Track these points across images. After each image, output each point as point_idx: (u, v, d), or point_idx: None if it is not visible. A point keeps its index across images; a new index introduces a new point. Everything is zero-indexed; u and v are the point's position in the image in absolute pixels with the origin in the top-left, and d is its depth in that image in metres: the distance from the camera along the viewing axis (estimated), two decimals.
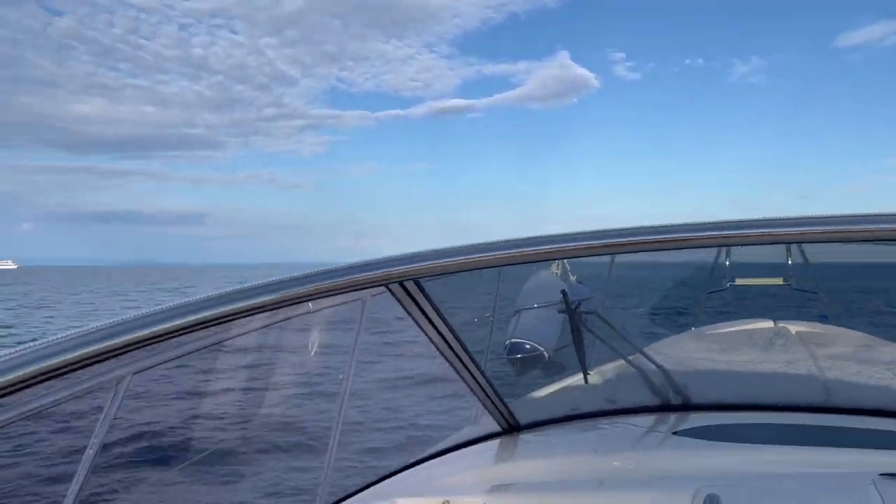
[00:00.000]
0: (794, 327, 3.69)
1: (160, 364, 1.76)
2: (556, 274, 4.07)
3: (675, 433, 2.38)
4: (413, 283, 1.80)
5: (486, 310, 3.83)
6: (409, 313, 1.94)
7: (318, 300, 1.67)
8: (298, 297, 1.43)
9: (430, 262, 1.47)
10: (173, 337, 1.28)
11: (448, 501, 2.10)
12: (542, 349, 3.68)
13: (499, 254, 1.47)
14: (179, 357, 1.80)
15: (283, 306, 1.41)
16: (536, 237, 1.48)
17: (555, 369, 3.61)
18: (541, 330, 3.78)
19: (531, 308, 3.94)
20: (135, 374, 1.68)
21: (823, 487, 1.87)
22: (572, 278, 4.26)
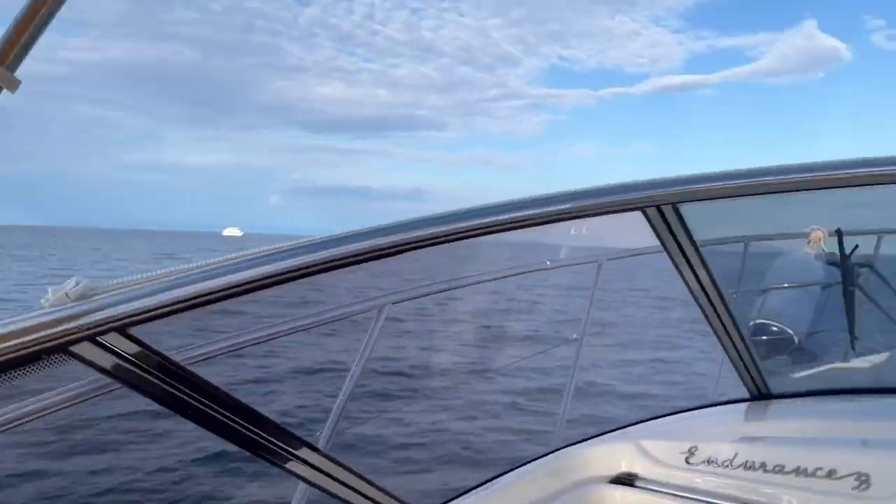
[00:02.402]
0: None
1: (416, 297, 1.92)
2: (811, 254, 3.76)
3: None
4: (671, 210, 1.69)
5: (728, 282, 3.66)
6: (662, 243, 1.83)
7: (578, 222, 1.58)
8: (559, 215, 1.39)
9: (691, 186, 1.40)
10: (411, 249, 1.22)
11: (696, 447, 2.04)
12: (792, 333, 3.49)
13: (770, 179, 1.35)
14: (433, 294, 1.98)
15: (543, 222, 1.38)
16: (814, 164, 1.36)
17: (805, 357, 3.39)
18: (792, 312, 3.57)
19: (781, 287, 3.73)
20: (393, 304, 1.87)
21: None
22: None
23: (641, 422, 2.38)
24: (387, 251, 1.23)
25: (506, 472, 2.02)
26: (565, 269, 2.89)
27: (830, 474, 1.77)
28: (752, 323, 3.49)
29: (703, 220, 1.82)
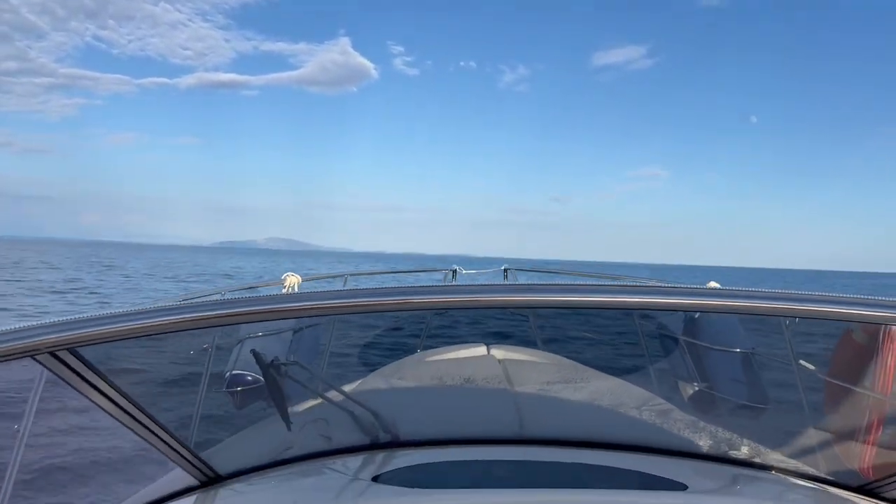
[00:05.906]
0: (502, 353, 3.60)
1: None
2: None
3: (378, 476, 2.31)
4: (69, 353, 1.55)
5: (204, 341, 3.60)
6: (68, 384, 1.67)
7: None
8: None
9: (86, 331, 1.29)
10: None
11: None
12: (264, 381, 3.68)
13: (166, 319, 1.30)
14: None
15: None
16: (206, 303, 1.35)
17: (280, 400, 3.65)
18: (266, 357, 3.67)
19: (256, 336, 3.72)
20: None
21: None
22: None
23: None
24: None
25: None
26: None
27: None
28: (228, 374, 3.67)
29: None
